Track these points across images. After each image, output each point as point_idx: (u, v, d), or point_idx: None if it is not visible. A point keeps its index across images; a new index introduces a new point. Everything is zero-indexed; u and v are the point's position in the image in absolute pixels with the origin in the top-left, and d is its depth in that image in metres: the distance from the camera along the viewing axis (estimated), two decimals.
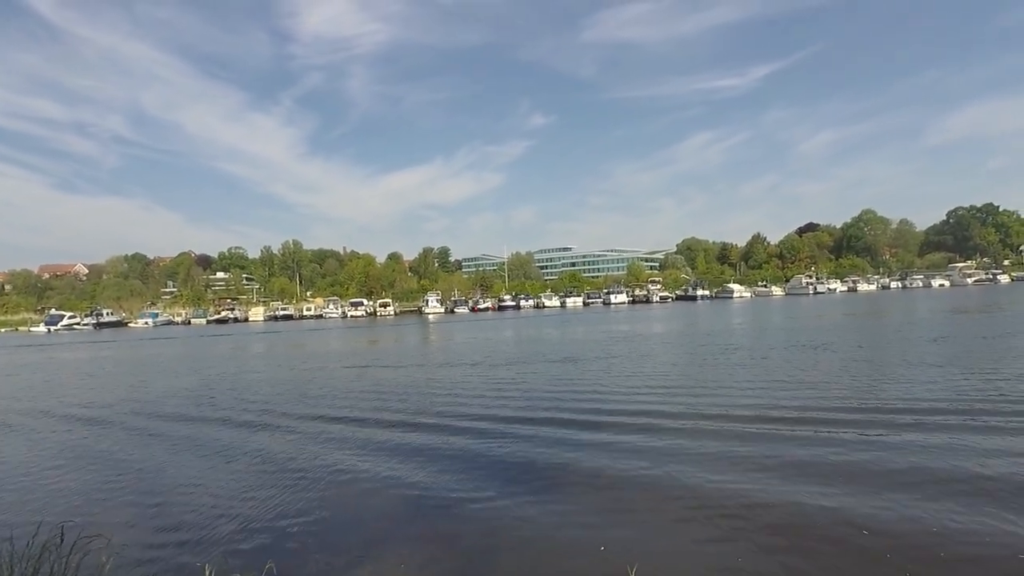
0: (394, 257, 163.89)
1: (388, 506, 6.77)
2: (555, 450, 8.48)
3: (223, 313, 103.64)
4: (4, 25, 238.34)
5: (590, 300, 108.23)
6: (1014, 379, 12.24)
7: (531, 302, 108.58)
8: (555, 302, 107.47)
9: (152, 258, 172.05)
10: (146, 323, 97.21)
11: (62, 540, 4.67)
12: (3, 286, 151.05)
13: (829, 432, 8.71)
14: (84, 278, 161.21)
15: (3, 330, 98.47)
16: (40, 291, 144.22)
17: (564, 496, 6.72)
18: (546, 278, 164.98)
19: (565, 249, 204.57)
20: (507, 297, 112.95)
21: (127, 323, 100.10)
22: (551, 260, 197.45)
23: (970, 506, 5.92)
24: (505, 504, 6.55)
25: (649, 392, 13.02)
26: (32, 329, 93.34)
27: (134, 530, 6.73)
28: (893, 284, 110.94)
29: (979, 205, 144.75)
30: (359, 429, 10.81)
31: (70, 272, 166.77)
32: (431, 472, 7.90)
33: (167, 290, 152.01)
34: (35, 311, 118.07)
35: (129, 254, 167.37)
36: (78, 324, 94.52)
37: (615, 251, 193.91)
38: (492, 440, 9.31)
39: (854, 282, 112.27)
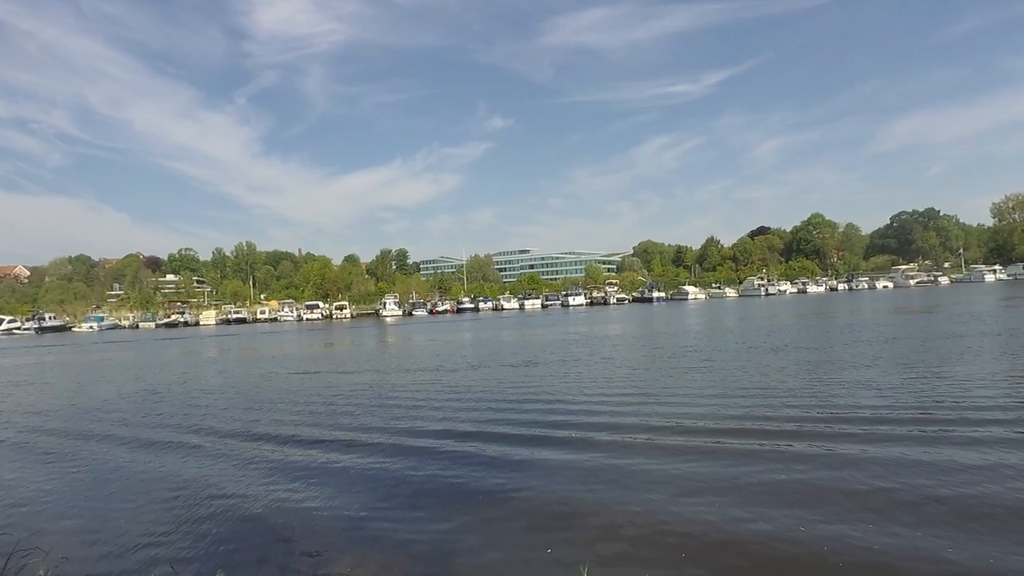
0: (351, 259, 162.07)
1: (327, 532, 6.50)
2: (508, 472, 8.00)
3: (173, 317, 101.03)
4: None
5: (548, 302, 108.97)
6: (967, 382, 12.60)
7: (490, 304, 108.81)
8: (514, 304, 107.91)
9: (98, 260, 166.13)
10: (91, 327, 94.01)
11: None
12: None
13: (784, 445, 8.48)
14: (25, 280, 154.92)
15: None
16: None
17: (510, 523, 6.34)
18: (505, 280, 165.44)
19: (524, 251, 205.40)
20: (466, 300, 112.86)
21: (71, 327, 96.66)
22: (510, 262, 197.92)
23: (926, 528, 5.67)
24: (445, 531, 6.18)
25: (605, 401, 12.84)
26: None
27: (74, 542, 6.46)
28: (840, 286, 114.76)
29: (921, 210, 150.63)
30: (303, 447, 10.20)
31: (10, 274, 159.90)
32: (376, 497, 7.44)
33: (113, 293, 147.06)
34: None
35: (73, 255, 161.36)
36: (18, 329, 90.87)
37: (573, 254, 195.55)
38: (444, 460, 8.78)
39: (804, 284, 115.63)
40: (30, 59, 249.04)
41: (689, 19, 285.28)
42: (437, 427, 11.04)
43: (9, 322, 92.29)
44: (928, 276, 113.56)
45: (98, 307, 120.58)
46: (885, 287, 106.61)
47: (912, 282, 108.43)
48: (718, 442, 8.81)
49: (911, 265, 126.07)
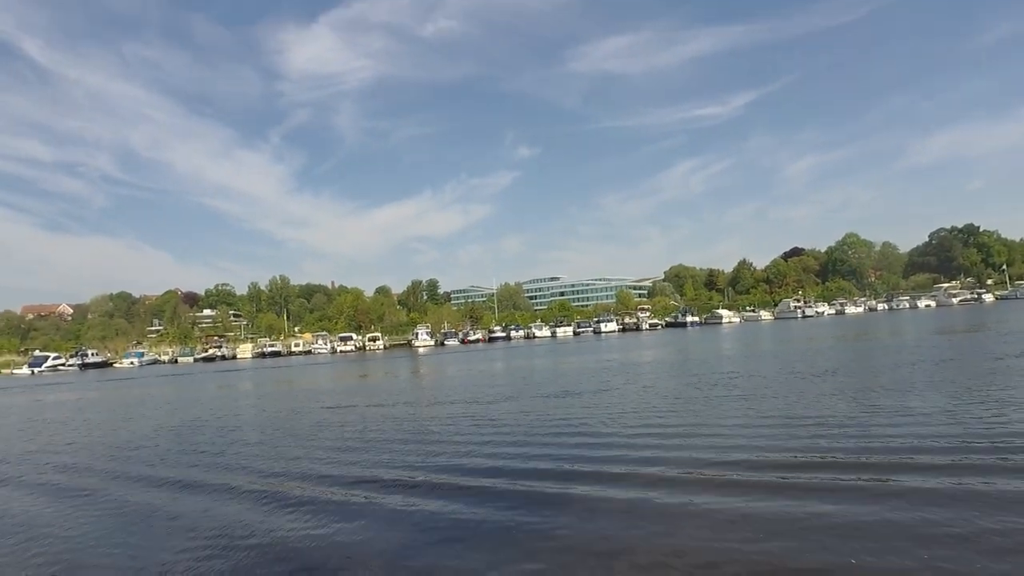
0: (383, 291, 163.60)
1: (366, 570, 6.30)
2: (547, 508, 7.71)
3: (210, 351, 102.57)
4: None
5: (580, 329, 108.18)
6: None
7: (521, 332, 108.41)
8: (545, 332, 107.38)
9: (138, 296, 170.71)
10: (131, 363, 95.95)
11: None
12: None
13: (833, 479, 7.96)
14: (69, 318, 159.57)
15: None
16: (24, 332, 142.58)
17: (551, 559, 6.14)
18: (536, 308, 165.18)
19: (554, 279, 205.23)
20: (497, 328, 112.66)
21: (112, 363, 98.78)
22: (540, 290, 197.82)
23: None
24: (485, 568, 5.99)
25: (645, 433, 12.37)
26: (15, 371, 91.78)
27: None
28: (880, 306, 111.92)
29: (960, 226, 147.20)
30: (339, 485, 9.96)
31: (54, 312, 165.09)
32: (414, 533, 7.30)
33: (153, 328, 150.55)
34: (18, 353, 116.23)
35: (115, 293, 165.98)
36: (63, 365, 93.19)
37: (604, 280, 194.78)
38: (482, 496, 8.52)
39: (842, 305, 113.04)
40: (77, 105, 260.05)
41: (713, 43, 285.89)
42: (474, 462, 10.84)
43: (54, 359, 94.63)
44: (971, 294, 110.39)
45: (139, 343, 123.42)
46: (927, 306, 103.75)
47: (955, 300, 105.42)
48: (765, 477, 8.41)
49: (953, 283, 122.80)
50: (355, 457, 12.12)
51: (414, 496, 8.92)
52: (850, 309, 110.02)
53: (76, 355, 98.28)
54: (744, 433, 11.57)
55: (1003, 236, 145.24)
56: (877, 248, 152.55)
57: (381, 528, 7.63)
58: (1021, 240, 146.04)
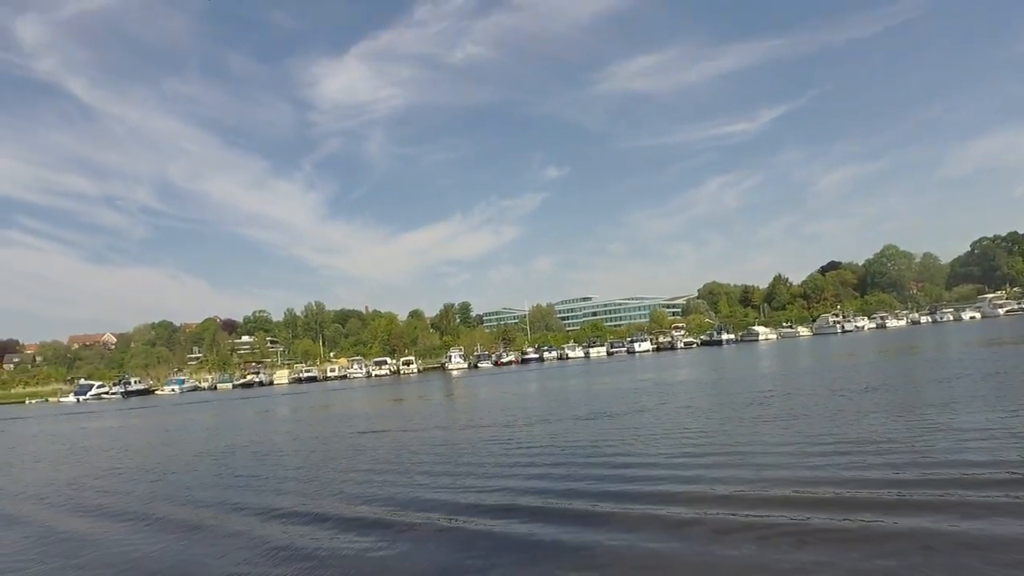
0: (416, 314, 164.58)
1: None
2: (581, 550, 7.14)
3: (248, 377, 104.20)
4: (42, 107, 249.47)
5: (614, 349, 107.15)
6: None
7: (554, 354, 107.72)
8: (579, 353, 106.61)
9: (179, 325, 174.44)
10: (173, 390, 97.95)
11: None
12: (34, 358, 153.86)
13: (874, 517, 7.34)
14: (113, 347, 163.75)
15: (34, 401, 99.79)
16: (70, 361, 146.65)
17: None
18: (568, 329, 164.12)
19: (586, 299, 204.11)
20: (530, 350, 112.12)
21: (154, 390, 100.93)
22: (572, 311, 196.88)
23: None
24: None
25: (680, 462, 11.61)
26: (62, 400, 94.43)
27: None
28: (923, 319, 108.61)
29: (1003, 234, 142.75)
30: (375, 505, 9.99)
31: (99, 342, 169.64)
32: (456, 557, 7.25)
33: (193, 356, 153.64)
34: (65, 381, 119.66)
35: (156, 322, 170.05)
36: (107, 393, 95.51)
37: (636, 299, 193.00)
38: (513, 523, 8.27)
39: (882, 318, 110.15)
40: (118, 140, 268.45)
41: (740, 59, 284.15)
42: (504, 485, 10.74)
43: (98, 387, 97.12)
44: (1019, 304, 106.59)
45: (179, 370, 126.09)
46: (972, 318, 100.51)
47: (1001, 311, 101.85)
48: (808, 518, 7.81)
49: (998, 293, 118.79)
50: (389, 480, 12.10)
51: (451, 518, 8.89)
52: (892, 323, 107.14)
53: (119, 383, 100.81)
54: (780, 458, 11.08)
55: None
56: (918, 259, 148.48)
57: (418, 548, 7.67)
58: None
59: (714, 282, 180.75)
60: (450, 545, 7.74)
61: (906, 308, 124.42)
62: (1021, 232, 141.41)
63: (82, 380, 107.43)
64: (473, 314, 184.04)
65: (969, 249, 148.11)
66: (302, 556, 7.80)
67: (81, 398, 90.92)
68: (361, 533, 8.59)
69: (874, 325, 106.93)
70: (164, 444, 23.81)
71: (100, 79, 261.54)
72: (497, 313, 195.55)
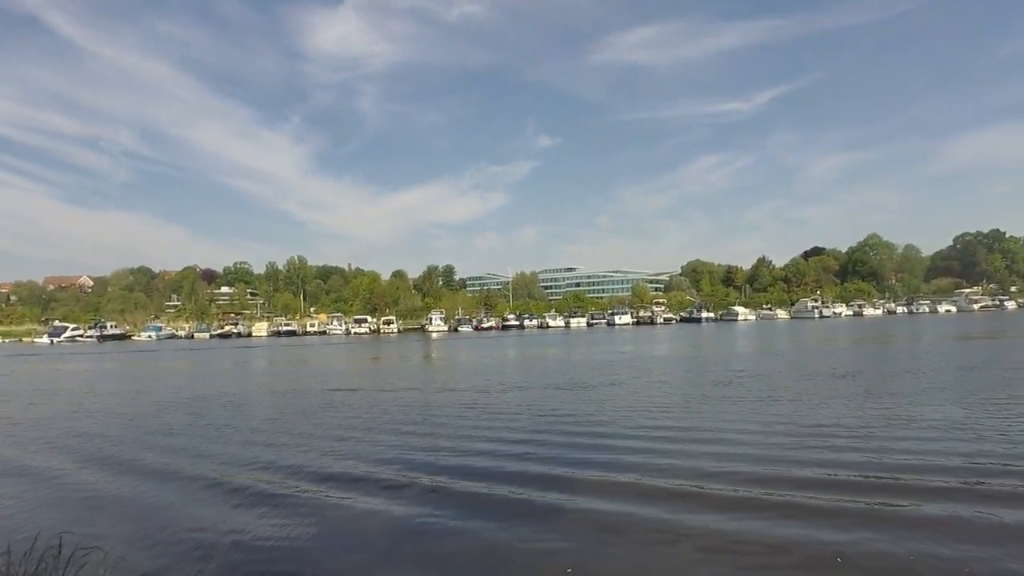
0: (399, 275, 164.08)
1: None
2: (530, 520, 7.07)
3: (226, 328, 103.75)
4: (21, 40, 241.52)
5: (594, 321, 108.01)
6: None
7: (535, 322, 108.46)
8: (559, 322, 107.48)
9: (157, 272, 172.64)
10: (149, 336, 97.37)
11: (60, 552, 4.66)
12: (8, 297, 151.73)
13: (833, 501, 7.34)
14: (89, 290, 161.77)
15: (7, 341, 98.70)
16: (45, 302, 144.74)
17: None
18: (551, 298, 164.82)
19: (570, 270, 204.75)
20: (511, 316, 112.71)
21: (130, 336, 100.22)
22: (556, 280, 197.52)
23: None
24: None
25: (649, 437, 11.51)
26: (36, 340, 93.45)
27: (132, 543, 6.65)
28: (899, 309, 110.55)
29: (985, 231, 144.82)
30: (322, 482, 9.11)
31: (75, 284, 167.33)
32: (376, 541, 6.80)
33: (171, 304, 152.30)
34: (39, 322, 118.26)
35: (135, 267, 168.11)
36: (81, 336, 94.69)
37: (620, 272, 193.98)
38: (465, 502, 7.87)
39: (860, 306, 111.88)
40: (101, 80, 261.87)
41: (741, 37, 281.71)
42: (470, 461, 10.29)
43: (73, 330, 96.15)
44: (993, 300, 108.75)
45: (156, 317, 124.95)
46: (947, 311, 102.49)
47: (976, 306, 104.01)
48: (756, 492, 7.82)
49: (975, 289, 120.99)
50: (353, 448, 11.63)
51: (417, 476, 8.98)
52: (868, 311, 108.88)
53: (95, 327, 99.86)
54: (742, 441, 10.96)
55: None
56: (899, 251, 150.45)
57: (385, 506, 7.72)
58: None
59: (698, 260, 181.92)
60: (415, 502, 7.85)
61: (884, 298, 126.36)
62: (1002, 230, 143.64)
63: (56, 322, 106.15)
64: (457, 278, 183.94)
65: (951, 244, 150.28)
66: (266, 503, 7.90)
67: (55, 340, 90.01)
68: (328, 486, 8.68)
69: (851, 312, 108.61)
70: (138, 391, 23.70)
71: (85, 16, 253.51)
72: (481, 278, 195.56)
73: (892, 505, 7.05)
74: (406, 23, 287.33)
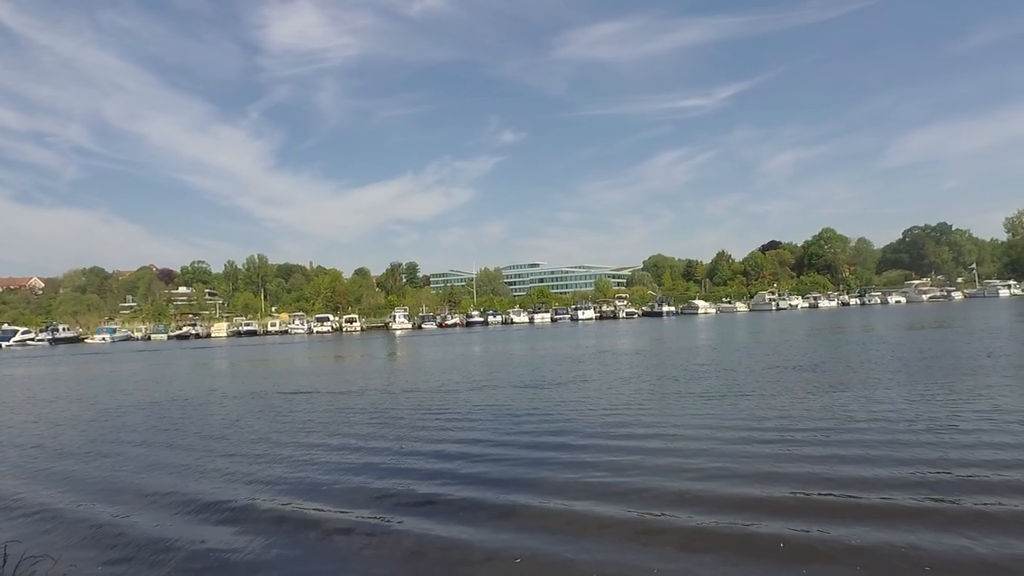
0: (361, 272, 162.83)
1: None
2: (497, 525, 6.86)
3: (184, 329, 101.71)
4: None
5: (558, 316, 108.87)
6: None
7: (499, 318, 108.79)
8: (523, 318, 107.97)
9: (111, 272, 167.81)
10: (103, 339, 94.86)
11: (5, 561, 4.56)
12: None
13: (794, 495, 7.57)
14: (40, 292, 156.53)
15: None
16: None
17: None
18: (515, 294, 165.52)
19: (534, 265, 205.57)
20: (475, 313, 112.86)
21: (84, 339, 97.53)
22: (520, 276, 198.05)
23: None
24: None
25: (614, 435, 11.47)
26: None
27: (83, 552, 6.52)
28: (852, 300, 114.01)
29: (933, 224, 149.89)
30: (277, 495, 9.26)
31: (25, 286, 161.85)
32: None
33: (126, 305, 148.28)
34: None
35: (87, 267, 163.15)
36: (32, 340, 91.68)
37: (583, 267, 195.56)
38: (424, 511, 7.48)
39: (815, 299, 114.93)
40: (48, 73, 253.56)
41: (702, 33, 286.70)
42: (430, 465, 10.60)
43: (23, 333, 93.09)
44: (941, 291, 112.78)
45: (111, 319, 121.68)
46: (898, 302, 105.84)
47: (925, 297, 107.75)
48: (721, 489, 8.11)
49: (924, 280, 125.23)
50: (312, 454, 11.43)
51: (383, 479, 8.92)
52: (823, 303, 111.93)
53: (46, 330, 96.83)
54: (704, 436, 11.11)
55: (974, 236, 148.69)
56: (852, 244, 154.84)
57: (319, 536, 7.21)
58: (991, 240, 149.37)
59: (660, 255, 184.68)
60: (380, 506, 7.80)
61: (838, 290, 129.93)
62: (949, 223, 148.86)
63: (5, 325, 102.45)
64: (420, 275, 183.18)
65: (901, 237, 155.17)
66: (222, 512, 7.74)
67: (4, 344, 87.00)
68: (286, 495, 8.49)
69: (807, 304, 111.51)
70: (90, 396, 23.03)
71: (28, 4, 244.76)
72: (445, 275, 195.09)
73: (857, 498, 7.04)
74: (366, 17, 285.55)
